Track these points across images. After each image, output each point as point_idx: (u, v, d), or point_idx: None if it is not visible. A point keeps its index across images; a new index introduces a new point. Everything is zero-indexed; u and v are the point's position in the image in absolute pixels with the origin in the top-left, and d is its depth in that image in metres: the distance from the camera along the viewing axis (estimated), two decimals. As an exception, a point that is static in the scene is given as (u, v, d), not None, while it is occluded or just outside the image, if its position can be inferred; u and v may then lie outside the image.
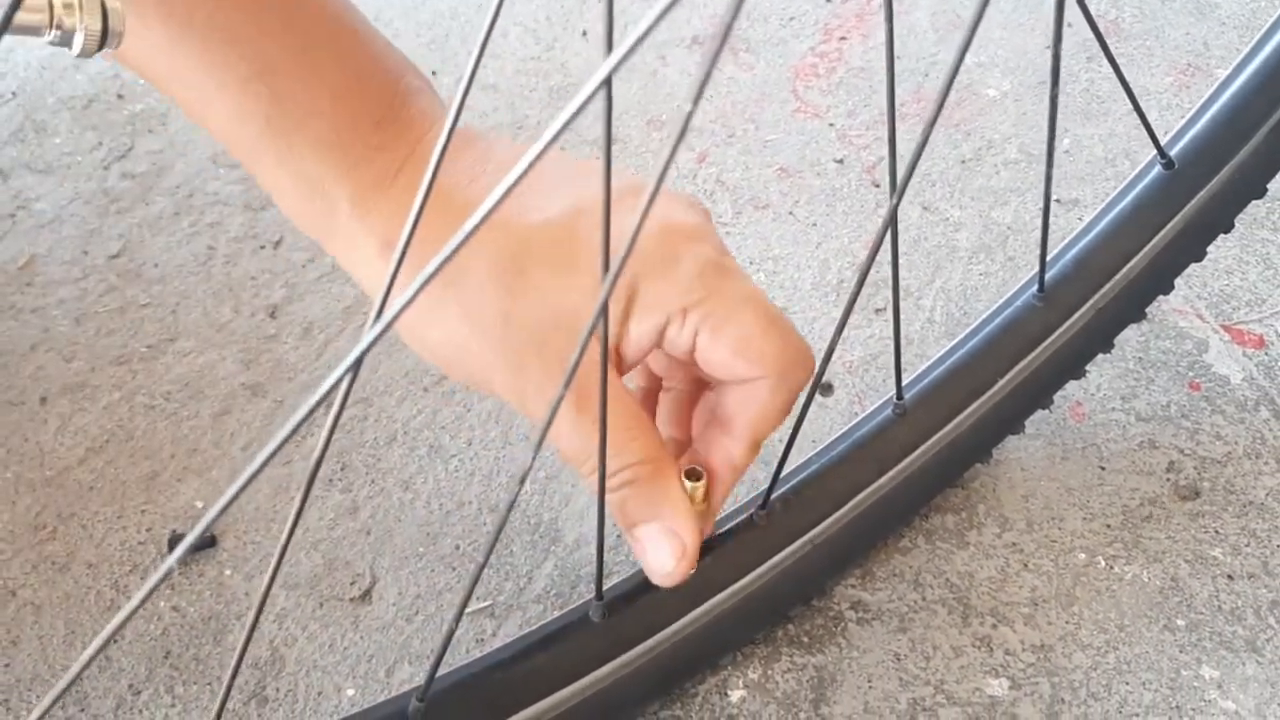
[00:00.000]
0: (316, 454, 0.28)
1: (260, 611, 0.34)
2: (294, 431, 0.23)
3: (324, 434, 0.28)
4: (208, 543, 0.57)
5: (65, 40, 0.41)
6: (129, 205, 0.72)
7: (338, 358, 0.65)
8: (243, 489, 0.25)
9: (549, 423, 0.32)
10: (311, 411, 0.23)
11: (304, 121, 0.40)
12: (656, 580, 0.42)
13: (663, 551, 0.41)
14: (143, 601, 0.27)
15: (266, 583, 0.34)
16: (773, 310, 0.41)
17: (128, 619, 0.27)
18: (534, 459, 0.31)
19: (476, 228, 0.24)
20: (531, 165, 0.24)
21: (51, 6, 0.41)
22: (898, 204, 0.35)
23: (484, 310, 0.39)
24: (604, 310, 0.29)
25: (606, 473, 0.39)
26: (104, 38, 0.41)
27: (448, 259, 0.24)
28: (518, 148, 0.43)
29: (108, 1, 0.41)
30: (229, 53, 0.39)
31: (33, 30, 0.41)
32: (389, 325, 0.24)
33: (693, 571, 0.43)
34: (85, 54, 0.40)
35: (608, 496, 0.40)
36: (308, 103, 0.40)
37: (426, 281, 0.24)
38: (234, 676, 0.35)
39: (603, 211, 0.30)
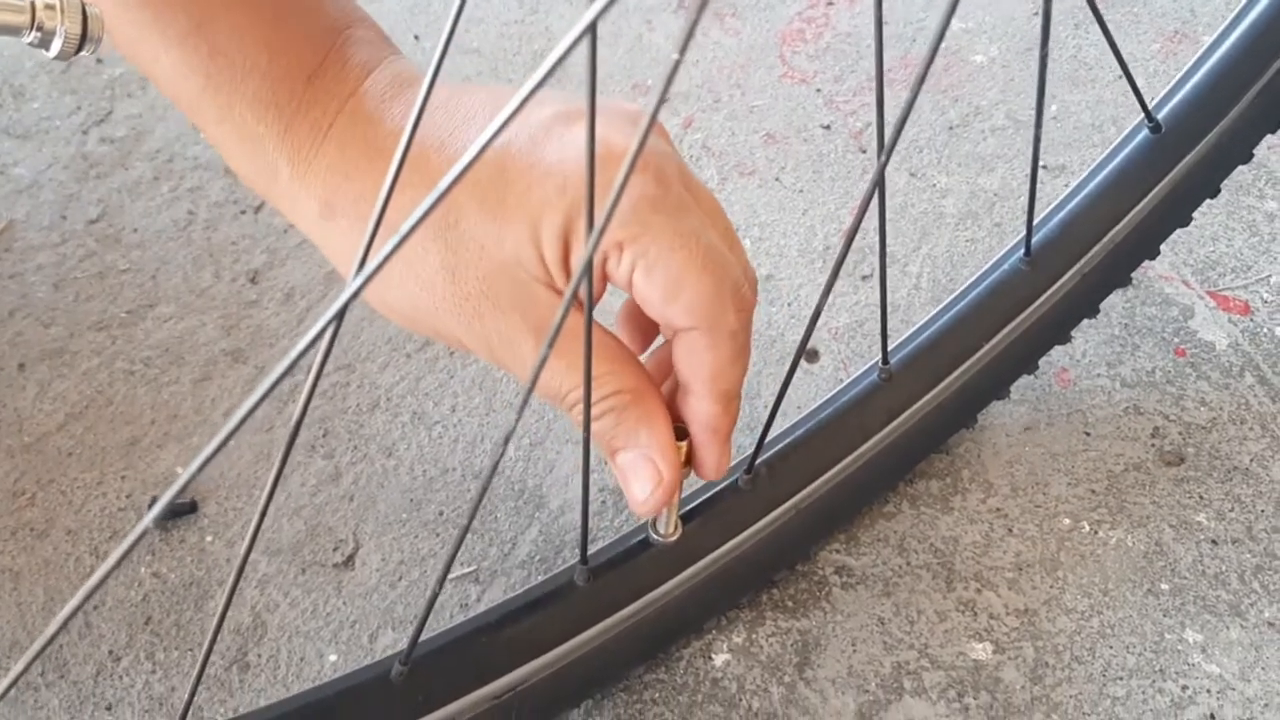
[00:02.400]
0: (299, 409, 0.27)
1: (240, 574, 0.34)
2: (276, 383, 0.23)
3: (306, 388, 0.28)
4: (189, 509, 0.56)
5: (44, 42, 0.41)
6: (108, 170, 0.71)
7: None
8: (225, 441, 0.24)
9: (531, 387, 0.32)
10: (293, 364, 0.23)
11: (241, 79, 0.39)
12: (635, 510, 0.42)
13: (640, 478, 0.40)
14: (118, 562, 0.27)
15: (247, 543, 0.33)
16: (708, 250, 0.39)
17: (105, 577, 0.26)
18: (517, 420, 0.31)
19: (441, 197, 0.24)
20: (505, 124, 0.24)
21: (34, 8, 0.41)
22: (885, 162, 0.35)
23: (428, 267, 0.38)
24: (588, 269, 0.28)
25: (595, 401, 0.39)
26: (82, 41, 0.40)
27: (420, 220, 0.24)
28: (452, 91, 0.41)
29: (88, 6, 0.40)
30: (169, 5, 0.39)
31: (13, 30, 0.41)
32: (369, 278, 0.24)
33: (670, 501, 0.42)
34: (63, 57, 0.40)
35: (598, 421, 0.40)
36: (244, 58, 0.39)
37: (400, 243, 0.23)
38: (214, 639, 0.35)
39: (586, 169, 0.30)
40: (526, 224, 0.38)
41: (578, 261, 0.38)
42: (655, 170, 0.39)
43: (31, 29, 0.39)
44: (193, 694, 0.37)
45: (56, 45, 0.40)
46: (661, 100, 0.24)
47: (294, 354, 0.22)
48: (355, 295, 0.24)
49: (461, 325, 0.39)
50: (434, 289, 0.39)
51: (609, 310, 0.65)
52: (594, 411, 0.39)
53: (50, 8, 0.39)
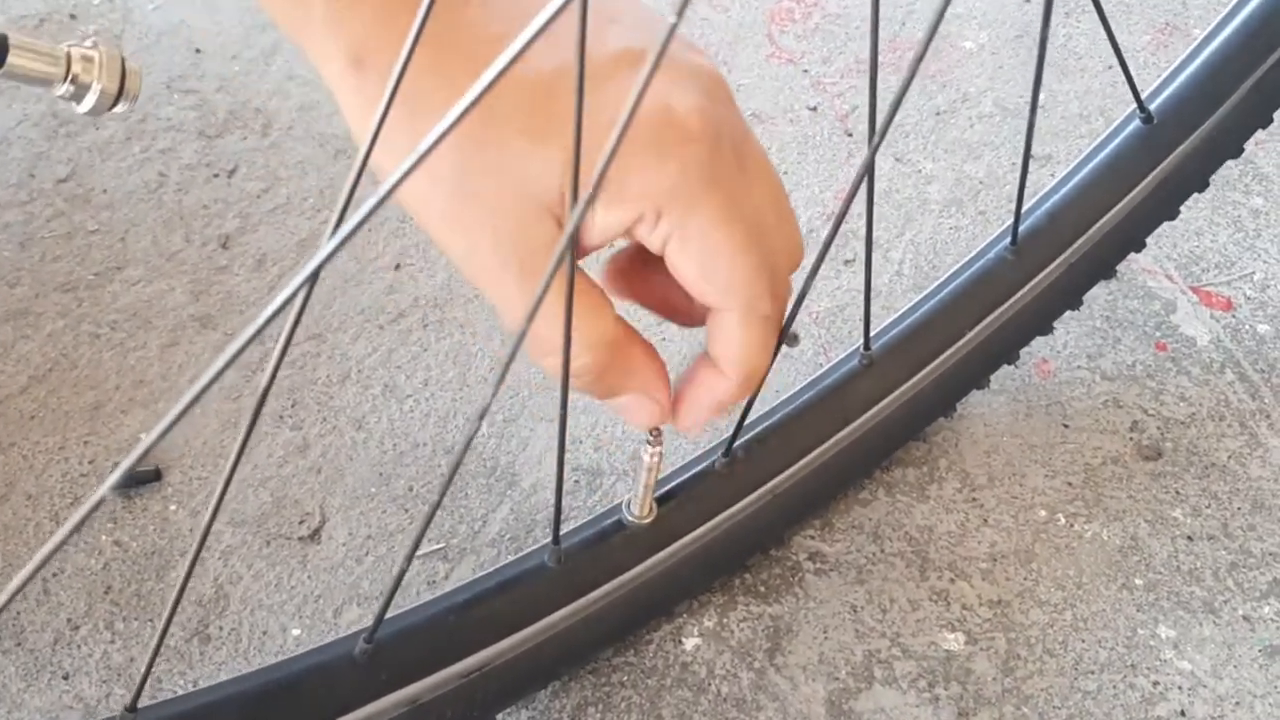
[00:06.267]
0: (267, 376, 0.26)
1: (202, 544, 0.33)
2: (244, 347, 0.22)
3: (275, 354, 0.27)
4: (152, 476, 0.55)
5: (77, 95, 0.39)
6: (79, 129, 0.70)
7: (292, 292, 0.63)
8: (189, 406, 0.23)
9: (512, 357, 0.31)
10: (264, 327, 0.22)
11: None
12: (636, 426, 0.41)
13: (643, 415, 0.40)
14: (74, 529, 0.26)
15: (211, 513, 0.32)
16: (751, 230, 0.37)
17: (60, 545, 0.25)
18: (493, 395, 0.30)
19: (456, 122, 0.22)
20: (490, 87, 0.23)
21: (69, 59, 0.39)
22: (875, 150, 0.34)
23: (443, 158, 0.35)
24: (573, 237, 0.28)
25: (573, 361, 0.37)
26: (118, 98, 0.38)
27: (438, 143, 0.23)
28: None
29: (128, 62, 0.38)
30: None
31: (44, 81, 0.38)
32: (343, 243, 0.23)
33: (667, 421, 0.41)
34: (94, 113, 0.38)
35: (578, 380, 0.39)
36: None
37: (402, 178, 0.22)
38: (174, 610, 0.34)
39: (575, 117, 0.29)
40: (562, 153, 0.35)
41: (603, 210, 0.35)
42: (713, 143, 0.36)
43: (65, 81, 0.37)
44: (150, 665, 0.36)
45: (89, 101, 0.38)
46: (655, 67, 0.23)
47: (265, 315, 0.21)
48: (329, 258, 0.23)
49: (451, 231, 0.37)
50: (440, 183, 0.36)
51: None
52: (578, 365, 0.38)
53: (87, 60, 0.38)
